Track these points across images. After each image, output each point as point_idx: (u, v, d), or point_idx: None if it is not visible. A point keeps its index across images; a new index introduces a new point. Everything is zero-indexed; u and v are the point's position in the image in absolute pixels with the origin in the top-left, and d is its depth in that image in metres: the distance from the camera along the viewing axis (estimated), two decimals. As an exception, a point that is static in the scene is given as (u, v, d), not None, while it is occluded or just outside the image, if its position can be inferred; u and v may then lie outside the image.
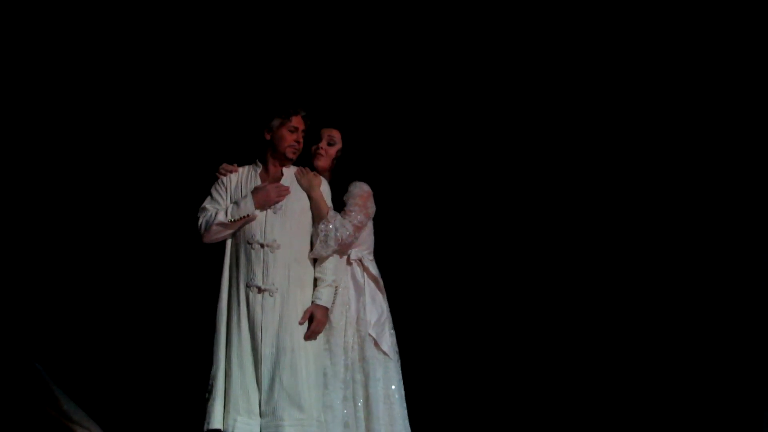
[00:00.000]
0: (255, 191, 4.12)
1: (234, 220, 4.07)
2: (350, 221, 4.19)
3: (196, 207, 4.24)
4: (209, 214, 4.13)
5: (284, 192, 4.13)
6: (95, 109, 5.36)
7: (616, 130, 5.35)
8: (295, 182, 4.22)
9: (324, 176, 4.32)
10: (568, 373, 5.26)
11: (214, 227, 4.10)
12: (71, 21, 5.27)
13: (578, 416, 5.17)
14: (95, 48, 5.32)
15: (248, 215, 4.07)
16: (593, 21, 5.33)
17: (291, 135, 4.19)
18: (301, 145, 4.25)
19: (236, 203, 4.10)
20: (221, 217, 4.09)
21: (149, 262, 5.29)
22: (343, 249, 4.21)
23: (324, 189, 4.25)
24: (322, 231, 4.12)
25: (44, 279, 5.24)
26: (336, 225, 4.14)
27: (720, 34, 5.17)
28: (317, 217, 4.16)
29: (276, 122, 4.19)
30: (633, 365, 5.17)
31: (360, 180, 4.38)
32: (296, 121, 4.20)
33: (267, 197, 4.10)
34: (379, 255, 4.46)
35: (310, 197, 4.19)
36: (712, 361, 5.06)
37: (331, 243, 4.12)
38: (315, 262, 4.18)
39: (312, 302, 4.12)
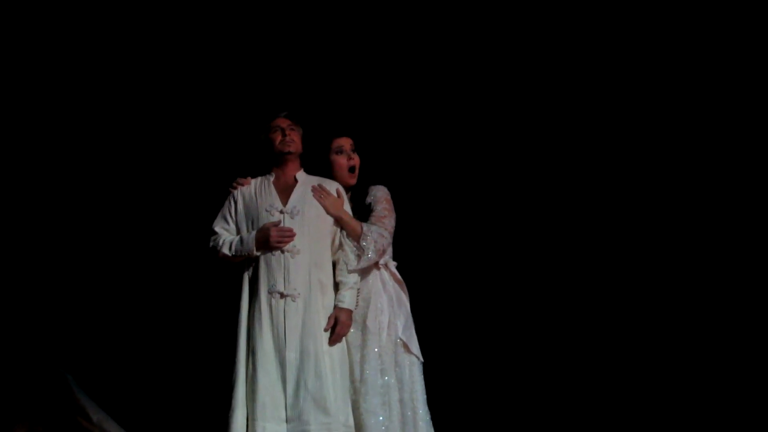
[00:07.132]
0: (259, 230, 4.13)
1: (235, 256, 4.15)
2: (385, 228, 4.25)
3: (214, 214, 4.29)
4: (218, 241, 4.20)
5: (287, 237, 4.10)
6: (117, 120, 5.51)
7: (626, 137, 5.40)
8: (310, 187, 4.25)
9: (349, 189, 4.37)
10: (575, 375, 5.33)
11: (221, 255, 4.19)
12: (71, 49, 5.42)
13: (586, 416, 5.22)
14: (100, 59, 5.45)
15: (248, 254, 4.12)
16: (598, 23, 5.37)
17: (277, 135, 4.25)
18: (293, 136, 4.25)
19: (241, 239, 4.15)
20: (225, 250, 4.16)
21: (166, 269, 5.38)
22: (381, 256, 4.25)
23: (346, 206, 4.29)
24: (364, 247, 4.16)
25: (67, 289, 5.35)
26: (374, 237, 4.19)
27: (720, 34, 5.20)
28: (353, 236, 4.19)
29: (262, 136, 4.29)
30: (657, 373, 5.23)
31: (372, 182, 4.43)
32: (276, 123, 4.27)
33: (266, 240, 4.10)
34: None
35: (339, 219, 4.21)
36: (713, 362, 5.11)
37: (372, 255, 4.18)
38: (335, 266, 4.21)
39: (335, 306, 4.14)
